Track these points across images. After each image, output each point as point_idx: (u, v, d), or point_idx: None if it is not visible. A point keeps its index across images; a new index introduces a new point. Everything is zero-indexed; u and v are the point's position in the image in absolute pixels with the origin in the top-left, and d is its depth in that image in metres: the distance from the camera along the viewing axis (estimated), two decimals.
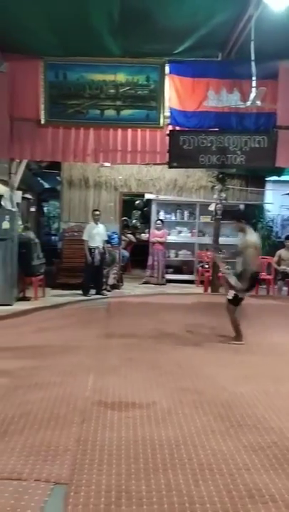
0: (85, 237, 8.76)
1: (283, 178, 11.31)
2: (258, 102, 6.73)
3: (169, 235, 10.74)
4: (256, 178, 11.08)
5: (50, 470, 2.55)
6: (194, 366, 4.44)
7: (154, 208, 11.00)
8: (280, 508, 2.24)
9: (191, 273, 10.91)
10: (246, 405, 3.49)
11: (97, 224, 8.92)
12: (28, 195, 11.18)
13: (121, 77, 7.92)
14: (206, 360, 4.65)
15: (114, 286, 9.52)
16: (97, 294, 8.81)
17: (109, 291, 9.23)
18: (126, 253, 11.60)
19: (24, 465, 2.58)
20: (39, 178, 13.04)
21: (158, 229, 10.54)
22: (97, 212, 9.12)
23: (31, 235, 8.60)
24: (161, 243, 10.43)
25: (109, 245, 9.79)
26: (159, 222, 10.58)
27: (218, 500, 2.29)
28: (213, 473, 2.54)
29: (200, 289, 9.71)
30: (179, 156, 8.07)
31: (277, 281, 9.07)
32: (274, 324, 6.51)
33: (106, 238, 9.20)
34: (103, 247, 8.97)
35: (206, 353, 4.88)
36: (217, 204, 9.01)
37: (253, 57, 6.71)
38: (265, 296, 9.18)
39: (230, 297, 5.32)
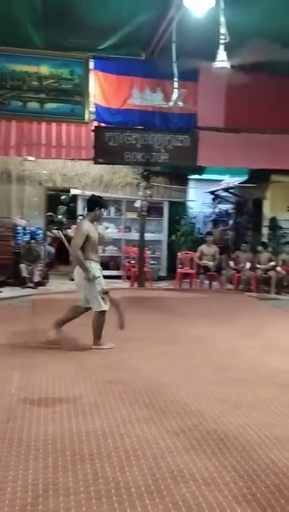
0: None
1: (204, 176, 11.85)
2: (180, 103, 6.99)
3: None
4: (179, 176, 11.41)
5: None
6: (121, 359, 4.53)
7: (79, 203, 10.92)
8: (200, 486, 2.39)
9: (118, 268, 11.01)
10: (170, 393, 3.65)
11: None
12: None
13: (44, 69, 7.79)
14: (133, 353, 4.76)
15: (39, 284, 9.34)
16: None
17: (34, 288, 9.04)
18: (52, 249, 11.40)
19: None
20: None
21: None
22: None
23: None
24: None
25: (34, 241, 9.59)
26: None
27: (142, 484, 2.39)
28: (138, 458, 2.65)
29: (126, 284, 9.85)
30: (104, 153, 8.13)
31: (199, 275, 9.48)
32: (196, 316, 6.80)
33: None
34: None
35: (133, 346, 4.99)
36: (142, 201, 9.21)
37: (174, 59, 6.93)
38: (188, 289, 9.56)
39: None
